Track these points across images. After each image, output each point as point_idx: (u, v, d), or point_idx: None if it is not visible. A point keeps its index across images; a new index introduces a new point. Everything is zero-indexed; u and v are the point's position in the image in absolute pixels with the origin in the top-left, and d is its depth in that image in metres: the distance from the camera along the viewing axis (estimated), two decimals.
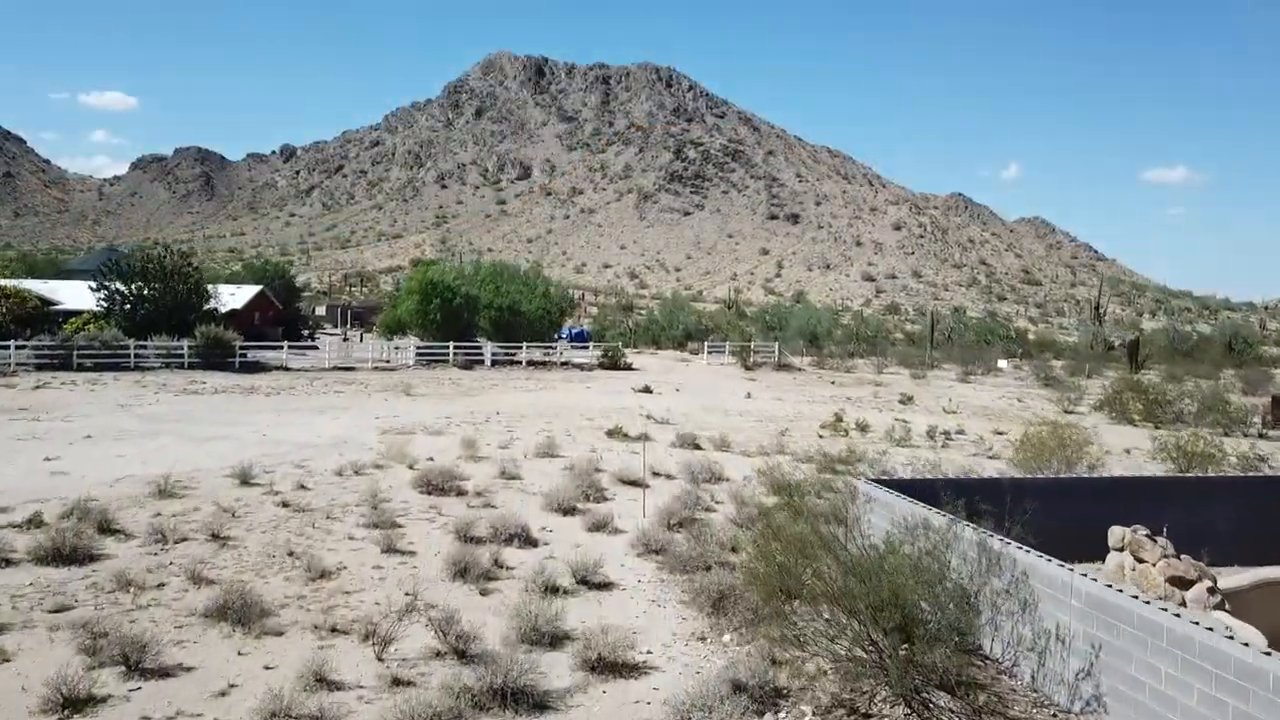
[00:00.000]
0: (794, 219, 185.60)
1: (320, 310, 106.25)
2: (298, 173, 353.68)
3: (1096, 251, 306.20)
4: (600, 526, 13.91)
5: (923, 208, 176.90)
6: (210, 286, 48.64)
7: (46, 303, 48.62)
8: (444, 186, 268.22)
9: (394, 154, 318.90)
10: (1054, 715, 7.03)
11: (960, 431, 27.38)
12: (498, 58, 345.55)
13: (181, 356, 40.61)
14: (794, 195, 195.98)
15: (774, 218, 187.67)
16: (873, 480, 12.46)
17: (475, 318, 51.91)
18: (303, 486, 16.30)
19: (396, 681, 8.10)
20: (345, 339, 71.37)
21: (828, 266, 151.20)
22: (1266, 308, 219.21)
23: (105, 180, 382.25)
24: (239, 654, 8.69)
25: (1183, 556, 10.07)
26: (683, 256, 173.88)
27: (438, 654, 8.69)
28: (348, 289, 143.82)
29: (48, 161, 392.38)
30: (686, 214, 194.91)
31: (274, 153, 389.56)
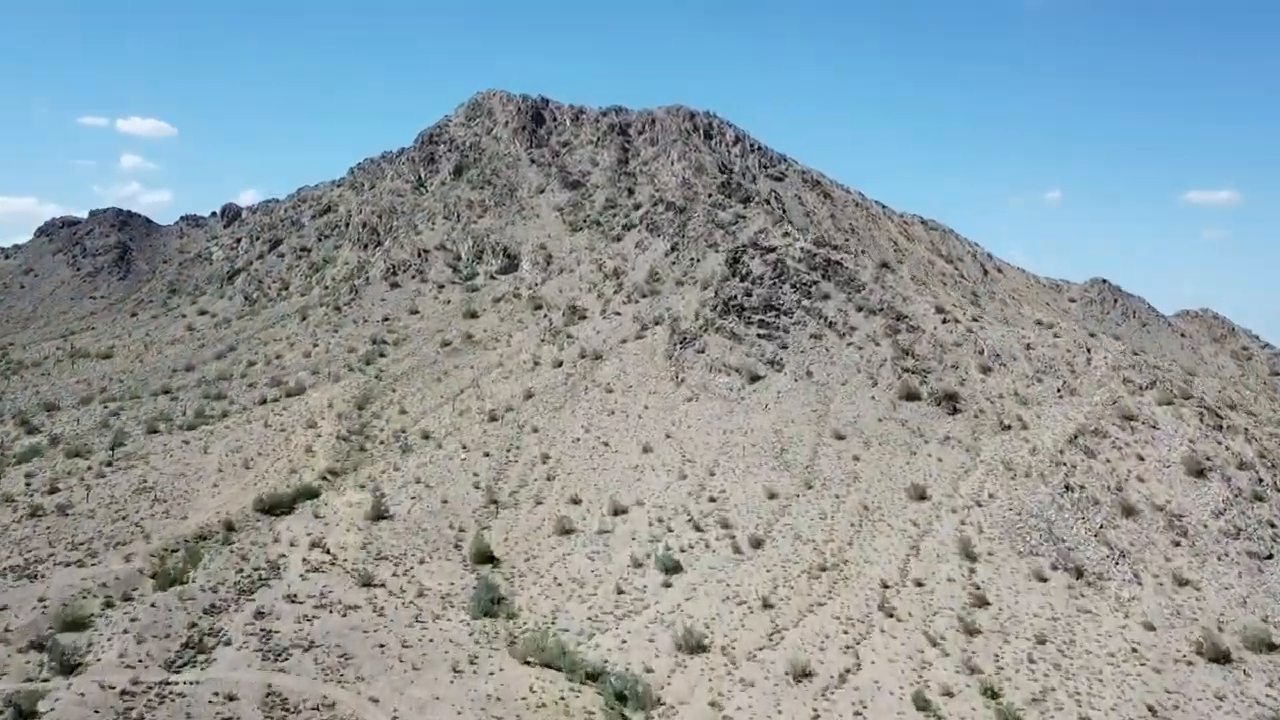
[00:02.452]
0: (951, 403, 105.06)
1: None
2: (238, 241, 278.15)
3: None
4: None
5: (1189, 393, 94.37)
6: None
7: None
8: (394, 285, 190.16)
9: (347, 224, 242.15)
10: None
11: None
12: (487, 98, 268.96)
13: None
14: (938, 347, 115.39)
15: (913, 397, 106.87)
16: None
17: None
18: None
19: None
20: None
21: (1079, 573, 70.06)
22: None
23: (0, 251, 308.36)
24: None
25: None
26: (758, 489, 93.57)
27: None
28: None
29: None
30: (755, 379, 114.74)
31: (214, 215, 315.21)
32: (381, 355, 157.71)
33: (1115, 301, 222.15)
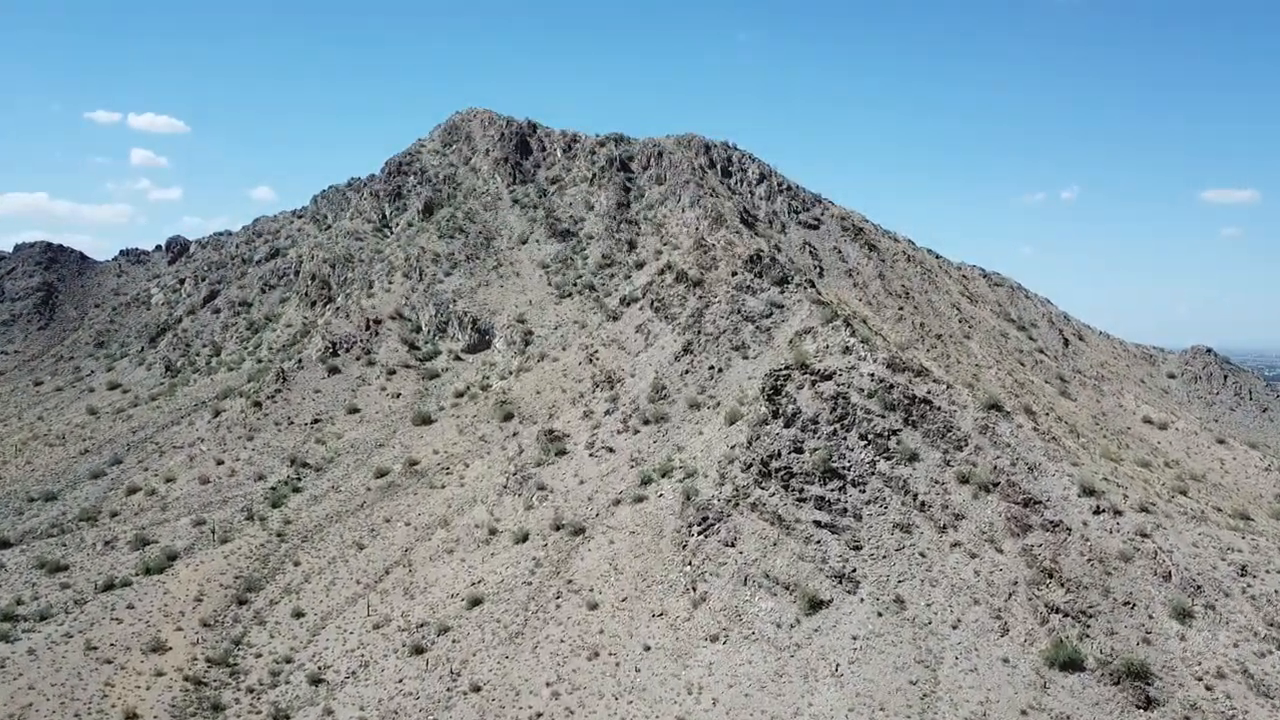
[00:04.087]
0: (1138, 686, 65.77)
1: None
2: (182, 282, 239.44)
3: None
4: None
5: None
6: None
7: None
8: (334, 370, 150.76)
9: (296, 273, 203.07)
10: None
11: None
12: (466, 119, 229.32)
13: None
14: (1098, 563, 75.68)
15: (1072, 666, 66.95)
16: None
17: None
18: None
19: None
20: None
21: None
22: None
23: None
24: None
25: None
26: None
27: None
28: None
29: None
30: (816, 606, 74.98)
31: (158, 249, 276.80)
32: (296, 489, 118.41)
33: (1225, 378, 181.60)
